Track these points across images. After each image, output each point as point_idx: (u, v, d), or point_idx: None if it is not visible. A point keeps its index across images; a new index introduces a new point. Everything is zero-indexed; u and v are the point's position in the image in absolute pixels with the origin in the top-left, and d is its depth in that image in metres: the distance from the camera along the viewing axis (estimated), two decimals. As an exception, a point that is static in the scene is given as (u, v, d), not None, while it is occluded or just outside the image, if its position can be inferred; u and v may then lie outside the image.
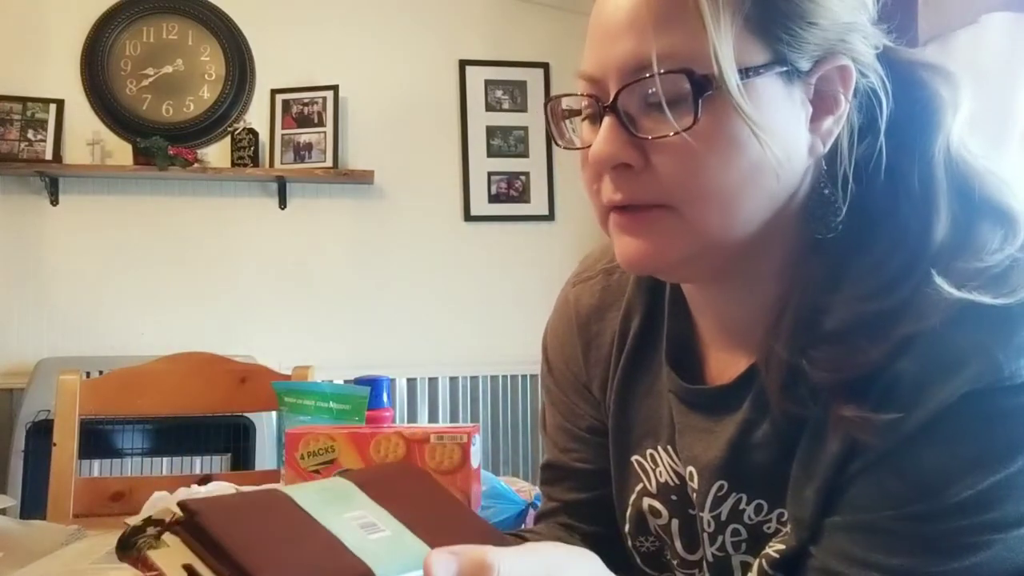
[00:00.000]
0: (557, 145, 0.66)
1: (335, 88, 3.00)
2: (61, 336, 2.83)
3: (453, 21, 3.14)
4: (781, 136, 0.56)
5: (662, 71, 0.54)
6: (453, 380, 3.09)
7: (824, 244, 0.59)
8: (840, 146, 0.59)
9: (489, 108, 3.16)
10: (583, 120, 0.62)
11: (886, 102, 0.58)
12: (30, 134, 2.79)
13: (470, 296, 3.10)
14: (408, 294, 3.07)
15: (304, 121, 2.99)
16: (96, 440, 2.49)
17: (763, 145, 0.55)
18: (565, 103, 0.64)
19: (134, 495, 1.38)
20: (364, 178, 2.97)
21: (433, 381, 3.08)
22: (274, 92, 3.01)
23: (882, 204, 0.58)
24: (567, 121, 0.65)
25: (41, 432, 2.39)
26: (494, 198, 3.15)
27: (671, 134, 0.55)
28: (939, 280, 0.52)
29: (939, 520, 0.52)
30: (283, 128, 2.99)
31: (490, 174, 3.15)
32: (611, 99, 0.57)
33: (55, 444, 1.41)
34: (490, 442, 3.08)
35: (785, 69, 0.56)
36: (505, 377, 3.11)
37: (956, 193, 0.57)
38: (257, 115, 2.99)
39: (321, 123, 2.99)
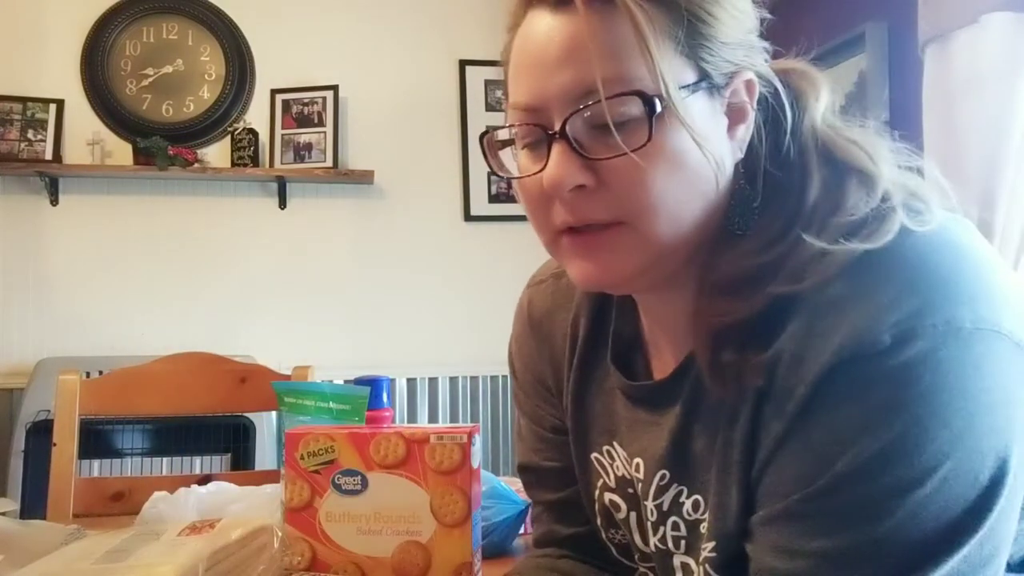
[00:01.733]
0: (497, 176, 0.68)
1: (335, 88, 3.00)
2: (61, 336, 2.83)
3: (453, 21, 3.14)
4: (715, 145, 0.61)
5: (613, 94, 0.57)
6: (453, 380, 3.09)
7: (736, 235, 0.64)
8: (754, 147, 0.64)
9: (489, 108, 3.16)
10: (523, 149, 0.65)
11: (788, 108, 0.65)
12: (30, 134, 2.79)
13: (470, 296, 3.10)
14: (408, 294, 3.07)
15: (304, 121, 2.99)
16: (96, 440, 2.49)
17: (706, 155, 0.59)
18: (499, 133, 0.67)
19: (134, 495, 1.38)
20: (364, 178, 2.97)
21: (433, 381, 3.08)
22: (274, 92, 3.01)
23: (771, 181, 0.64)
24: (501, 152, 0.68)
25: (41, 432, 2.39)
26: (494, 198, 3.15)
27: (624, 154, 0.58)
28: (810, 237, 0.57)
29: (837, 493, 0.53)
30: (283, 128, 2.99)
31: (490, 174, 3.14)
32: (560, 126, 0.59)
33: (55, 444, 1.40)
34: (490, 442, 3.08)
35: (709, 86, 0.61)
36: (505, 377, 3.11)
37: (824, 160, 0.63)
38: (257, 115, 2.99)
39: (321, 123, 2.99)
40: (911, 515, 0.52)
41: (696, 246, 0.63)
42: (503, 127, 0.66)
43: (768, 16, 0.66)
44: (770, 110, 0.65)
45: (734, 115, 0.63)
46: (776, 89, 0.65)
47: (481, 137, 0.68)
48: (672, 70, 0.58)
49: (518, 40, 0.63)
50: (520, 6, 0.64)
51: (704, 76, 0.60)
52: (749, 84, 0.63)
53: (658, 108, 0.57)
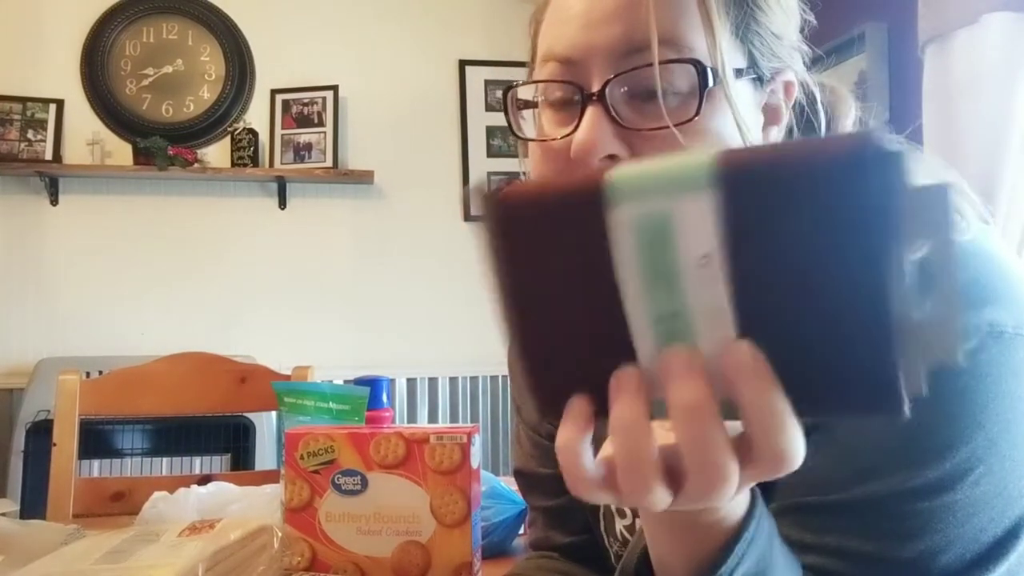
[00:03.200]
0: (515, 136, 0.61)
1: (335, 88, 3.00)
2: (61, 336, 2.83)
3: (453, 21, 3.14)
4: (754, 136, 0.58)
5: (667, 60, 0.53)
6: (453, 380, 3.09)
7: None
8: None
9: (489, 108, 3.15)
10: (547, 108, 0.59)
11: (823, 116, 0.63)
12: (30, 134, 2.79)
13: (470, 296, 3.09)
14: (408, 294, 3.07)
15: (304, 121, 2.99)
16: (96, 440, 2.49)
17: (745, 142, 0.56)
18: (521, 92, 0.61)
19: (134, 495, 1.38)
20: (364, 178, 2.97)
21: (433, 381, 3.08)
22: (274, 92, 3.01)
23: None
24: (522, 112, 0.62)
25: (41, 432, 2.39)
26: (494, 198, 3.14)
27: (666, 127, 0.53)
28: None
29: (858, 491, 0.50)
30: (283, 128, 2.99)
31: (490, 174, 3.15)
32: (600, 87, 0.54)
33: (55, 444, 1.40)
34: (490, 442, 3.08)
35: (756, 76, 0.58)
36: (505, 377, 3.11)
37: None
38: (257, 115, 2.99)
39: (321, 123, 2.99)
40: (938, 521, 0.48)
41: None
42: (529, 82, 0.59)
43: (812, 20, 0.63)
44: (804, 117, 0.62)
45: (770, 115, 0.60)
46: (814, 96, 0.62)
47: (505, 92, 0.61)
48: (728, 49, 0.55)
49: None
50: None
51: (753, 64, 0.57)
52: (788, 86, 0.60)
53: (711, 83, 0.53)
